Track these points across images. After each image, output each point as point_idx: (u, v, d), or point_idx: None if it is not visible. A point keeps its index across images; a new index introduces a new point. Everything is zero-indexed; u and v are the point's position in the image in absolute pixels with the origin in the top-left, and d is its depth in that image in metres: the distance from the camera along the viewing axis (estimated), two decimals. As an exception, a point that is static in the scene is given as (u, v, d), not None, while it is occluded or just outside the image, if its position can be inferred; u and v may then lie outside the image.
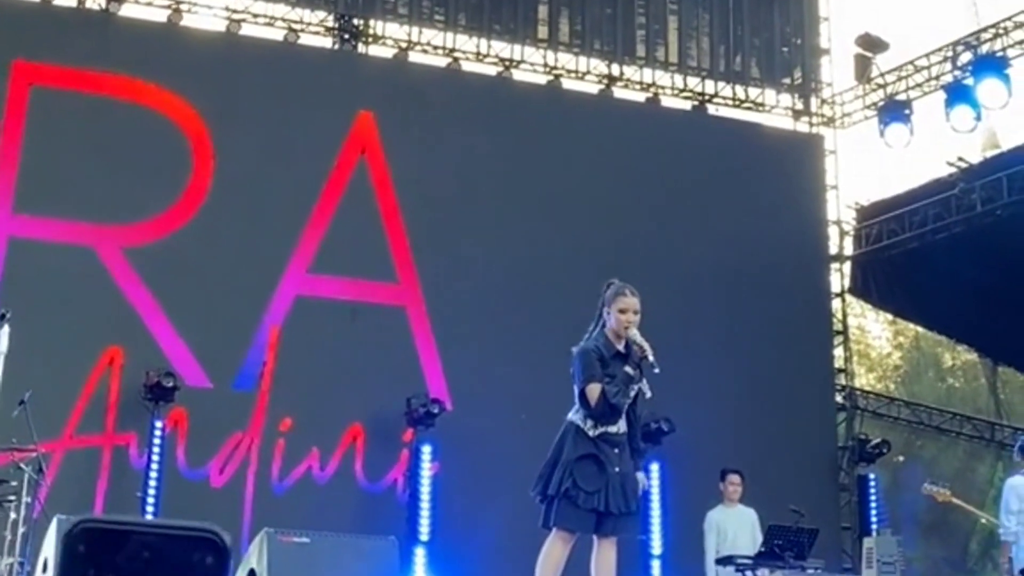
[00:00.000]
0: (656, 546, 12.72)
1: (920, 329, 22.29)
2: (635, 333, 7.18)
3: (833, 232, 16.95)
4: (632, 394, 7.25)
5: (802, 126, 17.29)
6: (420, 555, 12.19)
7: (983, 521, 11.57)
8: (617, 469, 7.17)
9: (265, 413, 13.04)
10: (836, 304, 16.81)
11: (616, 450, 7.22)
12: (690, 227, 15.29)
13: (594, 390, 7.07)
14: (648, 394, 7.28)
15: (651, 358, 7.12)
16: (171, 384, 12.27)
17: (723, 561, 11.57)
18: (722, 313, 15.00)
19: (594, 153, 15.17)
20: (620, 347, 7.25)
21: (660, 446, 13.24)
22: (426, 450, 12.74)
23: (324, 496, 12.81)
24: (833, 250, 16.94)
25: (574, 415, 7.24)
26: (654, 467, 13.12)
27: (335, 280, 13.79)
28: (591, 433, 7.14)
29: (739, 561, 11.26)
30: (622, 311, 7.23)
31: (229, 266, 13.34)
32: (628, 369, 7.14)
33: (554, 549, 7.24)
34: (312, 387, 13.12)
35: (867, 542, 8.08)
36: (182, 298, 13.06)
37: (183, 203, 13.46)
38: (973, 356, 21.89)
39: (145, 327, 12.90)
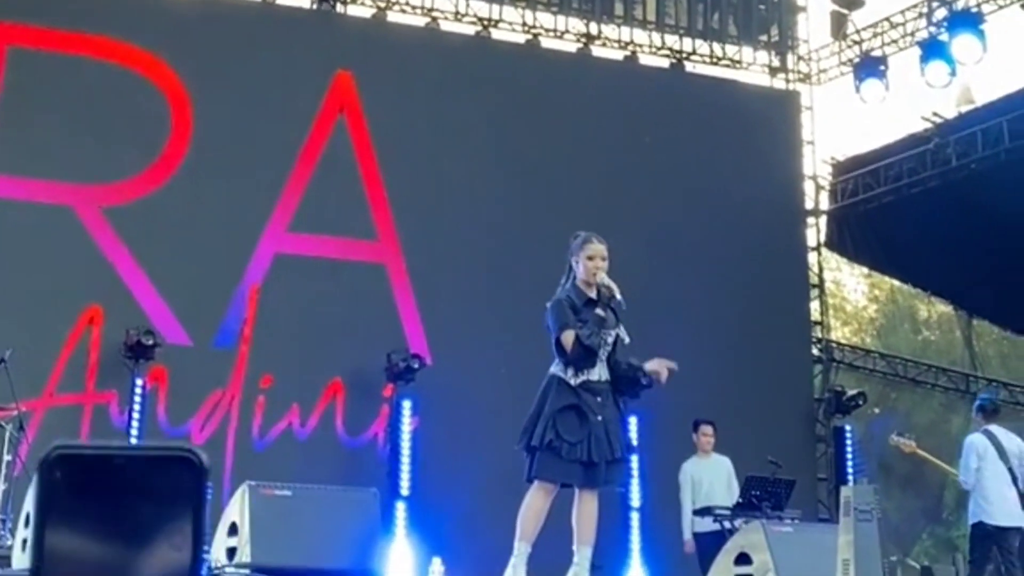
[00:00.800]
0: (635, 498, 12.84)
1: (895, 282, 22.45)
2: (604, 277, 7.29)
3: (809, 187, 17.06)
4: (610, 340, 7.35)
5: (779, 83, 17.36)
6: (401, 509, 12.30)
7: (950, 472, 11.93)
8: (600, 417, 7.26)
9: (245, 370, 13.11)
10: (812, 258, 16.95)
11: (598, 398, 7.31)
12: (667, 183, 15.37)
13: (568, 336, 7.17)
14: (627, 339, 7.38)
15: (618, 296, 7.23)
16: (151, 342, 12.32)
17: (701, 512, 11.71)
18: (699, 268, 15.10)
19: (572, 111, 15.22)
20: (591, 294, 7.36)
21: (638, 400, 13.34)
22: (406, 405, 12.82)
23: (305, 452, 12.90)
24: (809, 205, 17.06)
25: (555, 368, 7.34)
26: (632, 420, 13.23)
27: (314, 238, 13.84)
28: (572, 383, 7.23)
29: (717, 512, 11.40)
30: (590, 258, 7.35)
31: (208, 225, 13.37)
32: (599, 311, 7.24)
33: (535, 500, 7.34)
34: (292, 344, 13.20)
35: (844, 491, 8.16)
36: (162, 257, 13.11)
37: (162, 162, 13.48)
38: (948, 309, 22.05)
39: (125, 286, 12.94)
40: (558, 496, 7.39)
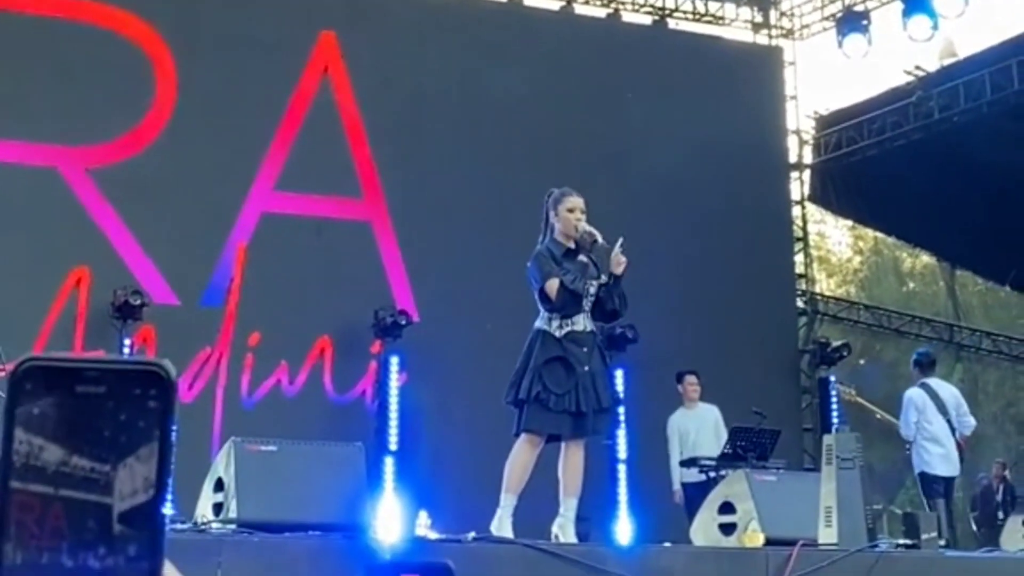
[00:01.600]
0: (622, 451, 12.95)
1: (879, 235, 22.55)
2: (584, 224, 7.39)
3: (793, 141, 17.15)
4: (592, 291, 7.44)
5: (761, 38, 17.40)
6: (389, 464, 12.39)
7: (892, 422, 12.38)
8: (587, 368, 7.35)
9: (233, 328, 13.17)
10: (796, 211, 17.04)
11: (584, 349, 7.40)
12: (652, 140, 15.41)
13: (553, 284, 7.27)
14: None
15: (600, 240, 7.32)
16: (139, 302, 12.35)
17: (687, 463, 11.84)
18: (685, 223, 15.17)
19: (555, 68, 15.24)
20: (571, 245, 7.46)
21: (624, 353, 13.45)
22: (394, 361, 12.89)
23: (293, 409, 12.98)
24: (793, 159, 17.14)
25: (539, 322, 7.42)
26: (618, 373, 13.33)
27: (300, 197, 13.88)
28: (557, 334, 7.32)
29: (703, 462, 11.53)
30: (570, 210, 7.47)
31: (194, 185, 13.39)
32: (581, 258, 7.36)
33: (522, 452, 7.45)
34: (280, 302, 13.25)
35: (826, 439, 8.27)
36: (148, 217, 13.13)
37: (147, 124, 13.50)
38: (932, 260, 22.18)
39: (111, 247, 12.98)
40: (544, 449, 7.50)
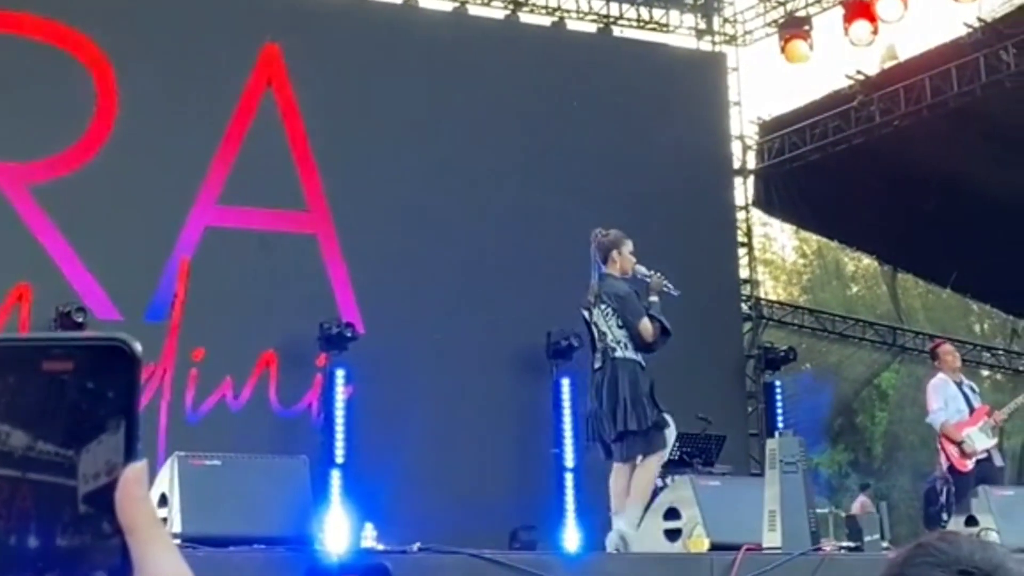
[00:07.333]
0: (569, 459, 12.98)
1: (823, 239, 22.71)
2: (641, 268, 7.94)
3: (736, 147, 17.23)
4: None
5: (705, 45, 17.50)
6: (336, 477, 12.37)
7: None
8: None
9: (177, 344, 13.09)
10: (741, 216, 17.14)
11: None
12: (596, 148, 15.44)
13: (648, 325, 8.04)
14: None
15: (671, 287, 7.84)
16: (81, 319, 12.27)
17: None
18: (631, 229, 15.04)
19: (501, 78, 15.26)
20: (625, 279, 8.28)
21: (571, 361, 13.48)
22: (340, 373, 12.87)
23: (239, 423, 12.91)
24: (737, 164, 17.22)
25: (628, 352, 7.75)
26: (564, 382, 13.38)
27: (244, 210, 13.83)
28: (644, 364, 8.15)
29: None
30: (632, 252, 7.99)
31: (137, 200, 13.30)
32: (654, 299, 7.88)
33: (655, 471, 8.23)
34: (224, 316, 13.18)
35: (770, 443, 8.32)
36: (90, 233, 13.04)
37: (88, 139, 13.40)
38: (874, 263, 22.36)
39: (53, 263, 12.87)
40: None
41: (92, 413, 0.84)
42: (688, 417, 11.60)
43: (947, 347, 11.53)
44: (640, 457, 8.06)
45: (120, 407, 0.85)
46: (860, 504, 16.92)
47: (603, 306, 8.12)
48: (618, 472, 8.16)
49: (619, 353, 8.01)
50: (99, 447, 0.84)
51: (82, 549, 0.83)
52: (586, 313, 8.29)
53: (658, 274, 8.26)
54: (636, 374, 8.03)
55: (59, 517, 0.83)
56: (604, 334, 8.11)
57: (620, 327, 8.03)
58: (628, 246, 8.29)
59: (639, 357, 8.05)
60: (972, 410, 10.78)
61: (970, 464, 10.61)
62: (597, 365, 8.23)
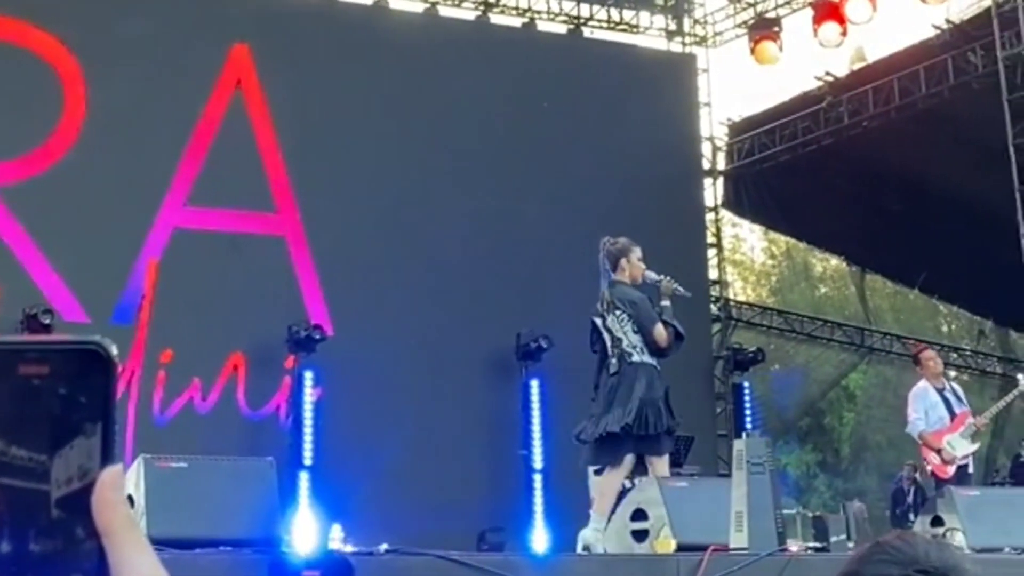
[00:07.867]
0: (537, 461, 12.98)
1: (792, 239, 22.78)
2: (651, 273, 7.97)
3: (706, 148, 17.26)
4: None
5: (675, 46, 17.54)
6: (304, 479, 12.34)
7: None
8: None
9: (145, 346, 13.02)
10: (711, 218, 17.18)
11: None
12: (569, 148, 15.45)
13: (662, 330, 7.99)
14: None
15: (681, 289, 8.09)
16: (48, 321, 12.21)
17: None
18: (600, 230, 15.03)
19: (472, 79, 15.25)
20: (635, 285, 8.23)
21: (540, 363, 13.48)
22: (308, 376, 12.85)
23: (207, 426, 12.87)
24: (707, 165, 17.26)
25: (645, 356, 7.96)
26: (534, 383, 13.37)
27: (213, 212, 13.78)
28: (659, 368, 8.12)
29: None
30: (640, 259, 7.99)
31: (104, 201, 13.24)
32: (666, 303, 7.89)
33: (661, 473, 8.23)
34: (192, 318, 13.13)
35: (736, 444, 8.31)
36: (57, 234, 12.98)
37: (55, 140, 13.33)
38: (842, 264, 22.44)
39: (20, 264, 12.81)
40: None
41: (67, 417, 0.84)
42: (657, 418, 11.60)
43: (929, 352, 11.55)
44: (654, 459, 8.24)
45: (96, 411, 0.85)
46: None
47: (618, 312, 8.16)
48: (619, 473, 8.33)
49: (636, 358, 8.08)
50: (72, 452, 0.83)
51: (56, 554, 0.82)
52: (598, 320, 8.31)
53: (668, 278, 8.22)
54: (652, 378, 8.08)
55: (32, 522, 0.82)
56: (619, 340, 8.15)
57: (635, 332, 8.09)
58: (637, 253, 8.28)
59: (655, 361, 8.05)
60: (953, 416, 10.79)
61: (951, 470, 10.64)
62: (613, 370, 8.28)
